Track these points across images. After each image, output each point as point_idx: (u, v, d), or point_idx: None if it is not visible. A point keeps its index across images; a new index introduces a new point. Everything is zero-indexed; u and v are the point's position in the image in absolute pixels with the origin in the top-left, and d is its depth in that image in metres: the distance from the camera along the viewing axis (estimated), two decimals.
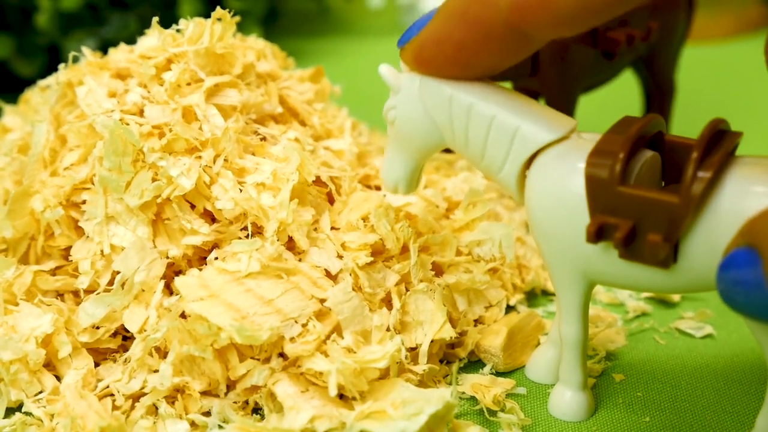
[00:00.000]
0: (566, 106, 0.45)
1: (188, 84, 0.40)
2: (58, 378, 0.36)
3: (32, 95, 0.46)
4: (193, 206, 0.37)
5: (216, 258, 0.36)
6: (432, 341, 0.36)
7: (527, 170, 0.32)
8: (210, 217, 0.38)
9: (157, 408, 0.34)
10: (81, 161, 0.39)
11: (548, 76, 0.44)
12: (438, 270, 0.39)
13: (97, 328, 0.36)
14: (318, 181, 0.39)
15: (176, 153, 0.37)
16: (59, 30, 0.65)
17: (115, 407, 0.34)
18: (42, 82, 0.45)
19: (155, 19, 0.41)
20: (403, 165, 0.35)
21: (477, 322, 0.39)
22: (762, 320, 0.26)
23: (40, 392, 0.35)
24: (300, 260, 0.36)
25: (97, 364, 0.36)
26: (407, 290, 0.37)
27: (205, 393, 0.35)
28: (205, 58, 0.40)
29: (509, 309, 0.41)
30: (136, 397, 0.35)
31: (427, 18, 0.32)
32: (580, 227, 0.30)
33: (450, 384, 0.36)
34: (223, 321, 0.32)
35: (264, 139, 0.41)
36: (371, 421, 0.31)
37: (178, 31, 0.41)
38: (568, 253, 0.31)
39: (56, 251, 0.39)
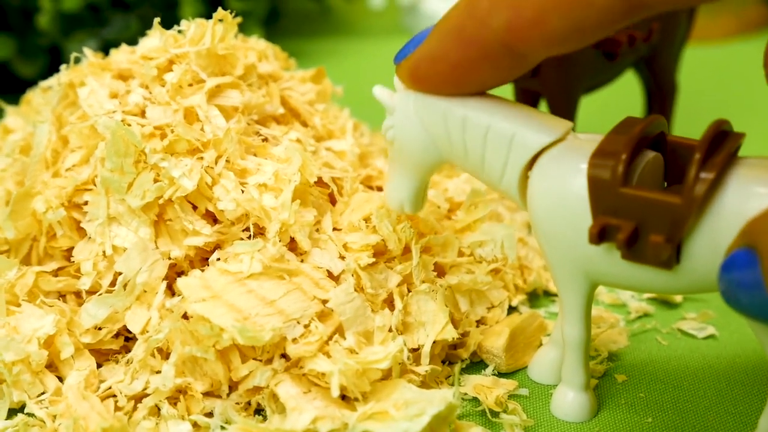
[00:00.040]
0: (568, 107, 0.45)
1: (190, 85, 0.40)
2: (61, 379, 0.36)
3: (34, 96, 0.46)
4: (194, 207, 0.37)
5: (218, 259, 0.36)
6: (434, 342, 0.36)
7: (528, 174, 0.32)
8: (212, 218, 0.38)
9: (159, 409, 0.34)
10: (83, 162, 0.39)
11: (550, 77, 0.44)
12: (440, 271, 0.39)
13: (100, 329, 0.36)
14: (320, 182, 0.39)
15: (178, 154, 0.37)
16: (60, 31, 0.65)
17: (117, 408, 0.34)
18: (43, 83, 0.45)
19: (157, 20, 0.41)
20: (406, 184, 0.35)
21: (479, 322, 0.39)
22: (762, 321, 0.26)
23: (43, 393, 0.35)
24: (302, 261, 0.36)
25: (99, 365, 0.36)
26: (409, 291, 0.37)
27: (207, 394, 0.35)
28: (207, 59, 0.40)
29: (511, 310, 0.41)
30: (138, 398, 0.35)
31: (422, 35, 0.32)
32: (583, 228, 0.30)
33: (452, 385, 0.36)
34: (226, 322, 0.32)
35: (266, 139, 0.41)
36: (373, 422, 0.31)
37: (179, 32, 0.41)
38: (570, 253, 0.31)
39: (58, 252, 0.39)
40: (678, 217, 0.28)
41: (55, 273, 0.38)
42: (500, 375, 0.37)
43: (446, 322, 0.36)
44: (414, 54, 0.32)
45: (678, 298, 0.42)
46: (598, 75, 0.46)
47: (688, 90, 0.60)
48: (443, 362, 0.37)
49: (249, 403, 0.35)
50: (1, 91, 0.60)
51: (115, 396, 0.35)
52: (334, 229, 0.38)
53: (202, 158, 0.38)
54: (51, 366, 0.36)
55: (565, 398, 0.34)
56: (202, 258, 0.38)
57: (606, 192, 0.29)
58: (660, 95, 0.52)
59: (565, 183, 0.30)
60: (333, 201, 0.40)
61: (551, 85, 0.44)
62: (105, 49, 0.51)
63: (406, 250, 0.38)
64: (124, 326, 0.36)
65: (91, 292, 0.37)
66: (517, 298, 0.41)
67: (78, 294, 0.38)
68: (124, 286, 0.36)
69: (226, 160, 0.38)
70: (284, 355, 0.34)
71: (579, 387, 0.34)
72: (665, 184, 0.32)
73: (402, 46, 0.33)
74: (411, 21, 0.84)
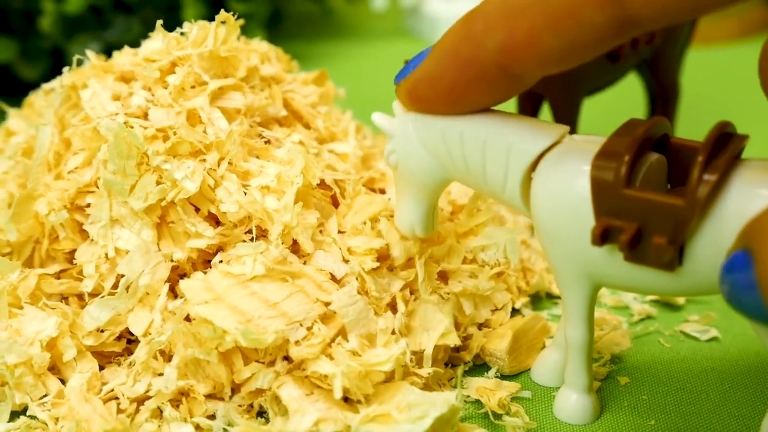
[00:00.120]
0: (570, 110, 0.45)
1: (192, 87, 0.40)
2: (63, 381, 0.36)
3: (36, 98, 0.46)
4: (197, 209, 0.37)
5: (221, 261, 0.36)
6: (436, 345, 0.36)
7: (531, 177, 0.32)
8: (214, 220, 0.38)
9: (161, 411, 0.34)
10: (85, 164, 0.39)
11: (552, 79, 0.44)
12: (443, 276, 0.39)
13: (102, 331, 0.36)
14: (322, 184, 0.39)
15: (180, 156, 0.37)
16: (63, 33, 0.65)
17: (119, 410, 0.34)
18: (46, 86, 0.45)
19: (159, 22, 0.41)
20: (415, 207, 0.35)
21: (482, 325, 0.39)
22: (760, 322, 0.26)
23: (45, 396, 0.35)
24: (304, 263, 0.36)
25: (101, 368, 0.36)
26: (412, 294, 0.37)
27: (209, 396, 0.35)
28: (209, 61, 0.40)
29: (514, 312, 0.41)
30: (140, 401, 0.35)
31: (421, 56, 0.33)
32: (585, 230, 0.30)
33: (455, 387, 0.36)
34: (228, 324, 0.32)
35: (268, 142, 0.41)
36: (376, 425, 0.31)
37: (182, 34, 0.41)
38: (573, 255, 0.31)
39: (61, 254, 0.39)
40: (681, 218, 0.28)
41: (58, 275, 0.38)
42: (503, 377, 0.37)
43: (450, 329, 0.36)
44: (412, 75, 0.32)
45: (681, 301, 0.42)
46: (600, 77, 0.46)
47: (691, 92, 0.60)
48: (446, 365, 0.37)
49: (251, 406, 0.35)
50: (3, 94, 0.60)
51: (117, 398, 0.35)
52: (339, 231, 0.38)
53: (204, 160, 0.38)
54: (53, 368, 0.36)
55: (568, 400, 0.34)
56: (204, 260, 0.38)
57: (609, 193, 0.29)
58: (663, 98, 0.52)
59: (568, 184, 0.30)
60: (335, 203, 0.40)
61: (554, 87, 0.44)
62: (107, 51, 0.51)
63: (410, 260, 0.38)
64: (127, 328, 0.36)
65: (93, 295, 0.37)
66: (520, 301, 0.41)
67: (80, 296, 0.38)
68: (127, 288, 0.36)
69: (229, 163, 0.38)
70: (287, 358, 0.34)
71: (582, 389, 0.34)
72: (668, 186, 0.32)
73: (402, 62, 0.34)
74: (413, 23, 0.84)
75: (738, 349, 0.38)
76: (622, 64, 0.47)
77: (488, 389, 0.36)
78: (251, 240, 0.37)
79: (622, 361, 0.38)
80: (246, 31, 0.44)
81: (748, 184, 0.28)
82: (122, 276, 0.36)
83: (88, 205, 0.38)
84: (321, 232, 0.38)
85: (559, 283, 0.32)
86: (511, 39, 0.29)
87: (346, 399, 0.33)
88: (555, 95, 0.45)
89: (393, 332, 0.35)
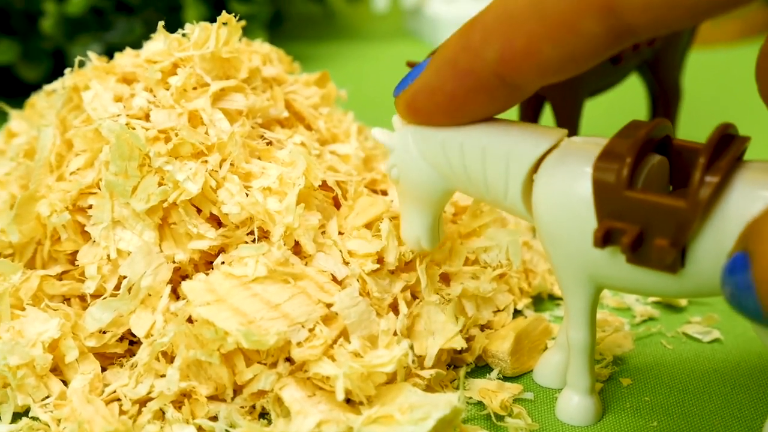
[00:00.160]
0: (572, 111, 0.45)
1: (194, 88, 0.40)
2: (65, 383, 0.36)
3: (38, 100, 0.46)
4: (199, 211, 0.37)
5: (222, 262, 0.36)
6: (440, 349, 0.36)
7: (532, 182, 0.32)
8: (216, 222, 0.38)
9: (164, 413, 0.34)
10: (87, 166, 0.39)
11: None
12: (445, 278, 0.39)
13: (104, 332, 0.36)
14: (324, 186, 0.39)
15: (182, 157, 0.37)
16: (65, 35, 0.65)
17: (122, 412, 0.34)
18: (48, 87, 0.45)
19: (161, 23, 0.41)
20: (419, 220, 0.35)
21: (484, 327, 0.39)
22: (758, 323, 0.26)
23: (47, 397, 0.35)
24: (306, 265, 0.36)
25: (103, 369, 0.36)
26: (413, 296, 0.37)
27: (211, 398, 0.35)
28: (211, 63, 0.40)
29: (516, 313, 0.41)
30: (143, 402, 0.35)
31: (420, 68, 0.33)
32: (587, 231, 0.30)
33: (457, 389, 0.36)
34: (230, 325, 0.32)
35: (270, 143, 0.41)
36: (378, 426, 0.31)
37: (183, 35, 0.41)
38: (575, 257, 0.31)
39: (63, 256, 0.39)
40: (683, 220, 0.28)
41: (60, 277, 0.38)
42: (505, 379, 0.37)
43: (455, 333, 0.36)
44: (411, 86, 0.33)
45: (683, 302, 0.42)
46: (602, 78, 0.46)
47: (692, 94, 0.60)
48: (448, 366, 0.37)
49: (254, 407, 0.35)
50: (5, 95, 0.60)
51: (119, 400, 0.35)
52: (339, 233, 0.38)
53: (206, 162, 0.38)
54: (55, 370, 0.36)
55: (570, 402, 0.34)
56: (206, 262, 0.38)
57: (611, 195, 0.29)
58: (664, 99, 0.52)
59: (570, 186, 0.30)
60: (337, 205, 0.40)
61: (555, 89, 0.44)
62: (109, 52, 0.51)
63: (411, 262, 0.38)
64: (129, 330, 0.36)
65: (95, 296, 0.37)
66: (522, 302, 0.41)
67: (82, 298, 0.38)
68: (129, 289, 0.36)
69: (231, 164, 0.38)
70: (289, 359, 0.34)
71: (584, 391, 0.34)
72: (671, 187, 0.32)
73: (402, 74, 0.34)
74: (414, 24, 0.84)
75: (740, 351, 0.38)
76: (623, 65, 0.47)
77: (490, 391, 0.36)
78: (253, 241, 0.37)
79: (624, 363, 0.38)
80: (247, 33, 0.44)
81: (750, 185, 0.28)
82: (124, 277, 0.36)
83: (90, 207, 0.38)
84: (323, 233, 0.38)
85: (561, 284, 0.32)
86: (509, 49, 0.29)
87: (348, 400, 0.33)
88: (557, 97, 0.45)
89: (395, 333, 0.35)
